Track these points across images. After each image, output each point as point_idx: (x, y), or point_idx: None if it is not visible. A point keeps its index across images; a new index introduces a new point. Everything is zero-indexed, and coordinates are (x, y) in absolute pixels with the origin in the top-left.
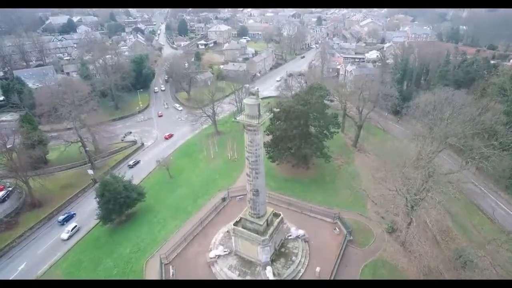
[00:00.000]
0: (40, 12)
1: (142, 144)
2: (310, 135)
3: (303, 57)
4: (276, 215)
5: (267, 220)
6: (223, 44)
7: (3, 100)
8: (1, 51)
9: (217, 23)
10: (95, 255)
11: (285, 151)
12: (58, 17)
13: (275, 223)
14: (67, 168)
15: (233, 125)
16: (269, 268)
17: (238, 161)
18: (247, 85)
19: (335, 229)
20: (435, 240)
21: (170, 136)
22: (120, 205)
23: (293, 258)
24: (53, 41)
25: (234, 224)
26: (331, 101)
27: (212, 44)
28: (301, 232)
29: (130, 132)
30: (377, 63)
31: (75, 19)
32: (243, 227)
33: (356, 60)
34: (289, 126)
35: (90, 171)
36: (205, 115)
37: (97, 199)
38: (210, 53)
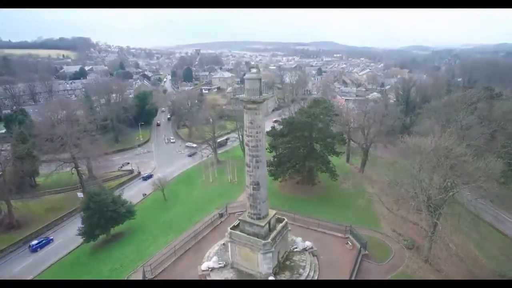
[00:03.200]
0: (56, 62)
1: (139, 173)
2: (315, 150)
3: (305, 99)
4: (279, 220)
5: (269, 223)
6: (226, 90)
7: (5, 132)
8: (11, 91)
9: (221, 71)
10: (71, 276)
11: (289, 168)
12: (71, 66)
13: (278, 228)
14: (57, 192)
15: (234, 154)
16: (271, 279)
17: (238, 184)
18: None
19: (347, 243)
20: (463, 262)
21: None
22: (106, 219)
23: (300, 271)
24: (63, 84)
25: (232, 228)
26: (336, 115)
27: (215, 90)
28: (308, 244)
29: (128, 163)
30: (378, 102)
31: (87, 68)
32: (241, 232)
33: (357, 100)
34: (293, 139)
35: (80, 194)
36: (207, 144)
37: (82, 213)
38: (213, 95)
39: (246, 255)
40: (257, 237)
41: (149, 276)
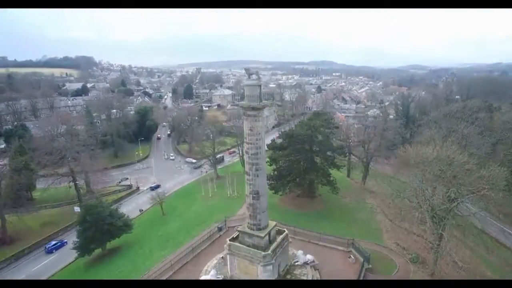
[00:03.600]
0: (59, 80)
1: (138, 188)
2: (315, 162)
3: (305, 113)
4: (280, 231)
5: (269, 234)
6: (226, 107)
7: (4, 147)
8: (13, 107)
9: (222, 89)
10: None
11: (289, 182)
12: (73, 83)
13: (279, 240)
14: (53, 207)
15: (234, 169)
16: None
17: (238, 198)
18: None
19: (349, 257)
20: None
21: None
22: (102, 233)
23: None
24: (64, 100)
25: (231, 240)
26: (336, 127)
27: (215, 107)
28: (309, 257)
29: (127, 178)
30: (378, 118)
31: (89, 85)
32: (240, 243)
33: (357, 117)
34: (293, 151)
35: (77, 209)
36: (206, 159)
37: (78, 226)
38: (213, 111)
39: (245, 268)
40: (257, 249)
41: None
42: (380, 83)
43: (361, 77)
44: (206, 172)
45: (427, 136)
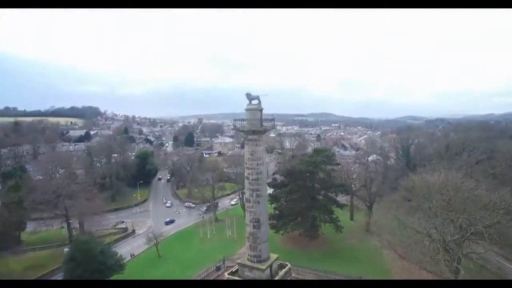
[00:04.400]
0: (63, 127)
1: (133, 231)
2: (317, 200)
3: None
4: (282, 266)
5: (270, 267)
6: (227, 154)
7: (1, 189)
8: (15, 150)
9: (223, 137)
10: None
11: (291, 220)
12: (77, 130)
13: (281, 274)
14: (42, 249)
15: (234, 213)
16: None
17: (237, 239)
18: None
19: None
20: None
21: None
22: (92, 272)
23: None
24: (66, 146)
25: (229, 274)
26: (338, 164)
27: (216, 154)
28: None
29: (123, 221)
30: (378, 162)
31: (92, 132)
32: (240, 278)
33: (357, 162)
34: (294, 188)
35: (67, 250)
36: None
37: (65, 265)
38: (214, 157)
39: None
40: None
41: None
42: (379, 132)
43: (360, 127)
44: (203, 217)
45: (431, 167)
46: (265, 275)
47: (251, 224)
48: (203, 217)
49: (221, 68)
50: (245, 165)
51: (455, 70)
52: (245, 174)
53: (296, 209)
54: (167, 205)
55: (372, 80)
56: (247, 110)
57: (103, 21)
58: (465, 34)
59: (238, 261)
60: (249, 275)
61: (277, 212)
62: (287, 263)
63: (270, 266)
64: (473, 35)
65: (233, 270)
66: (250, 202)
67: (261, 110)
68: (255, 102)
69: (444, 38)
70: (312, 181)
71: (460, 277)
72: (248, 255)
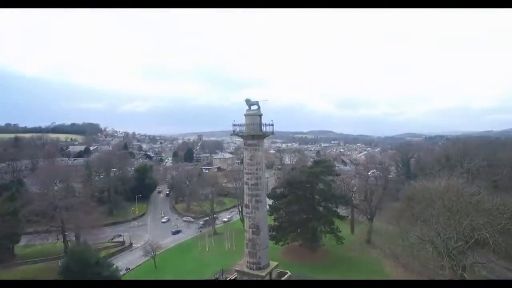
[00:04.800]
0: (63, 143)
1: (131, 244)
2: (317, 210)
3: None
4: (282, 274)
5: (270, 274)
6: (226, 169)
7: None
8: (14, 165)
9: (222, 153)
10: None
11: (291, 232)
12: (77, 146)
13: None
14: (35, 262)
15: (233, 226)
16: None
17: (237, 251)
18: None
19: None
20: None
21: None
22: None
23: None
24: (65, 160)
25: None
26: (338, 175)
27: (216, 170)
28: None
29: (120, 235)
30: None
31: (92, 148)
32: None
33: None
34: (294, 199)
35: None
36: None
37: (59, 276)
38: (213, 172)
39: None
40: None
41: None
42: (378, 149)
43: (359, 144)
44: (201, 231)
45: (431, 175)
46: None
47: (250, 230)
48: (201, 231)
49: (220, 87)
50: (244, 170)
51: (454, 82)
52: (244, 180)
53: (296, 220)
54: (163, 220)
55: (371, 97)
56: (246, 115)
57: (104, 38)
58: (464, 34)
59: (237, 268)
60: None
61: (276, 223)
62: (287, 271)
63: (270, 273)
64: (473, 36)
65: (232, 279)
66: (249, 208)
67: (260, 115)
68: (254, 107)
69: (443, 38)
70: (312, 191)
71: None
72: (247, 262)
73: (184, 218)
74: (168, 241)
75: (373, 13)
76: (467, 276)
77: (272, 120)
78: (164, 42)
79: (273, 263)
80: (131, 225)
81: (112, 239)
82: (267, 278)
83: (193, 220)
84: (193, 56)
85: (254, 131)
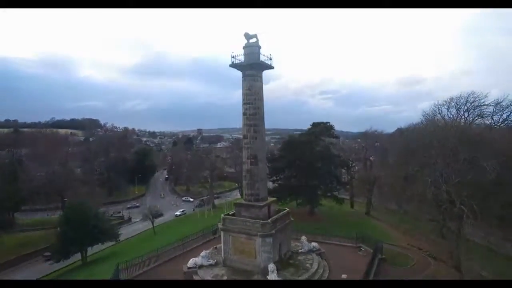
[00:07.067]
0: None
1: (130, 218)
2: (316, 169)
3: None
4: (281, 210)
5: (268, 207)
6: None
7: None
8: (13, 151)
9: (222, 142)
10: None
11: (290, 194)
12: (76, 138)
13: (280, 214)
14: (36, 230)
15: (233, 201)
16: (272, 266)
17: None
18: None
19: (359, 250)
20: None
21: None
22: (85, 234)
23: (307, 265)
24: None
25: (225, 215)
26: (337, 137)
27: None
28: (314, 244)
29: (119, 212)
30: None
31: (91, 139)
32: (236, 218)
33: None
34: (293, 160)
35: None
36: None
37: (58, 228)
38: (213, 158)
39: (241, 246)
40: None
41: (124, 276)
42: (378, 143)
43: (359, 140)
44: (194, 210)
45: None
46: (262, 214)
47: (248, 161)
48: (194, 209)
49: (220, 86)
50: (243, 102)
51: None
52: (243, 111)
53: (296, 181)
54: (162, 196)
55: (371, 94)
56: (244, 47)
57: (104, 38)
58: (464, 34)
59: (235, 202)
60: (245, 214)
61: (276, 185)
62: (286, 208)
63: (268, 206)
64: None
65: (230, 213)
66: (247, 138)
67: (259, 47)
68: (253, 40)
69: (444, 38)
70: (311, 152)
71: (463, 261)
72: (245, 194)
73: (184, 198)
74: (166, 217)
75: (373, 13)
76: (463, 274)
77: (270, 54)
78: (164, 41)
79: (272, 198)
80: (130, 204)
81: (111, 215)
82: (265, 209)
83: (192, 200)
84: (193, 56)
85: (252, 59)
